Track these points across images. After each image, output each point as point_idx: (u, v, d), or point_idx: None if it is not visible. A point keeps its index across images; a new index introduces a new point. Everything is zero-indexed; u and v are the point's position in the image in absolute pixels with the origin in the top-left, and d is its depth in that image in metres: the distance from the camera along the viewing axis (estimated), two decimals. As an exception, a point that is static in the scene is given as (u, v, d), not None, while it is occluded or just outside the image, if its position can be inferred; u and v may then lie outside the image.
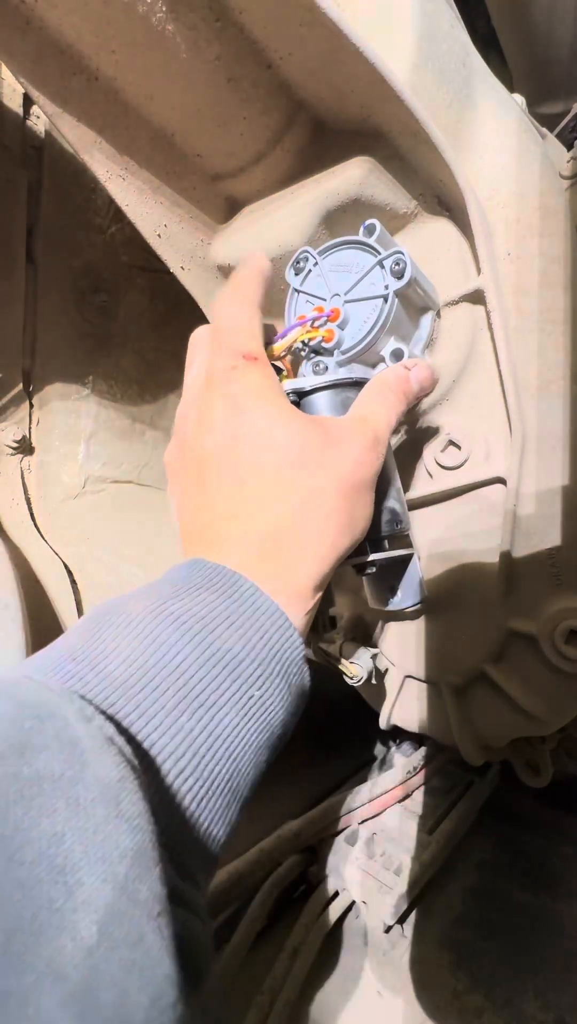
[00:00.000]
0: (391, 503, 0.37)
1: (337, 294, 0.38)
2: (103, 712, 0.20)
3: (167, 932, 0.16)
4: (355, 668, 0.47)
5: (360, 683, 0.49)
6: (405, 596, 0.41)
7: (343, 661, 0.41)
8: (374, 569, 0.37)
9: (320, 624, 0.38)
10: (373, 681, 0.52)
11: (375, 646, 0.56)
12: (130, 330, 0.81)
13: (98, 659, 0.22)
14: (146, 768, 0.21)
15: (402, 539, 0.39)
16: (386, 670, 0.57)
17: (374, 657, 0.53)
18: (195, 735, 0.22)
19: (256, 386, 0.30)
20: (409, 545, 0.41)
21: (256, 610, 0.26)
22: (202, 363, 0.33)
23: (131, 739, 0.21)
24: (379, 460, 0.32)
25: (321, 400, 0.36)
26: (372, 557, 0.35)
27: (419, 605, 0.41)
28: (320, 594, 0.29)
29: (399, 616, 0.52)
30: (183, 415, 0.33)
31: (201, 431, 0.31)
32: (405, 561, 0.40)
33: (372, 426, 0.32)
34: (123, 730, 0.21)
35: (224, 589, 0.26)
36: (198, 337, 0.35)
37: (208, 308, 0.52)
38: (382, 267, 0.36)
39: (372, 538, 0.36)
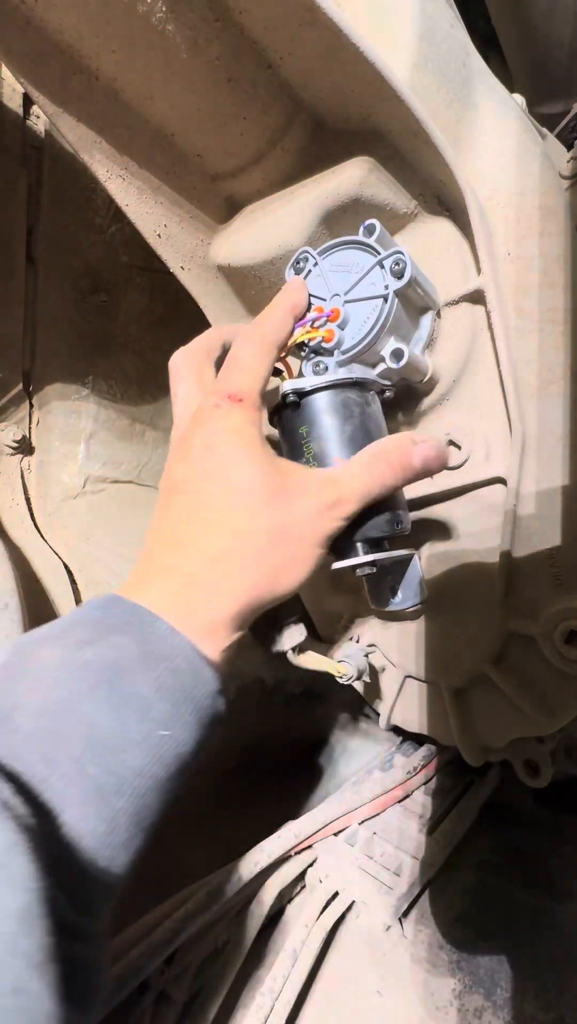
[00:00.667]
0: (392, 503, 0.37)
1: (337, 294, 0.38)
2: (4, 769, 0.22)
3: (50, 974, 0.18)
4: (344, 667, 0.48)
5: (351, 681, 0.49)
6: (405, 597, 0.41)
7: (328, 661, 0.41)
8: (374, 570, 0.37)
9: (287, 634, 0.38)
10: (366, 679, 0.52)
11: (372, 645, 0.56)
12: (130, 330, 0.81)
13: (10, 712, 0.24)
14: (46, 818, 0.22)
15: (402, 540, 0.39)
16: (383, 668, 0.57)
17: (367, 655, 0.53)
18: (100, 780, 0.23)
19: (232, 427, 0.31)
20: (409, 546, 0.41)
21: (170, 649, 0.27)
22: (187, 393, 0.34)
23: (31, 791, 0.22)
24: (333, 524, 0.32)
25: (321, 400, 0.36)
26: (372, 558, 0.35)
27: (419, 605, 0.41)
28: (240, 632, 0.30)
29: (399, 616, 0.52)
30: (172, 442, 0.35)
31: (176, 460, 0.32)
32: (405, 562, 0.40)
33: (339, 490, 0.32)
34: (23, 783, 0.22)
35: (138, 631, 0.27)
36: (175, 365, 0.36)
37: (207, 308, 0.52)
38: (382, 267, 0.36)
39: (372, 538, 0.36)
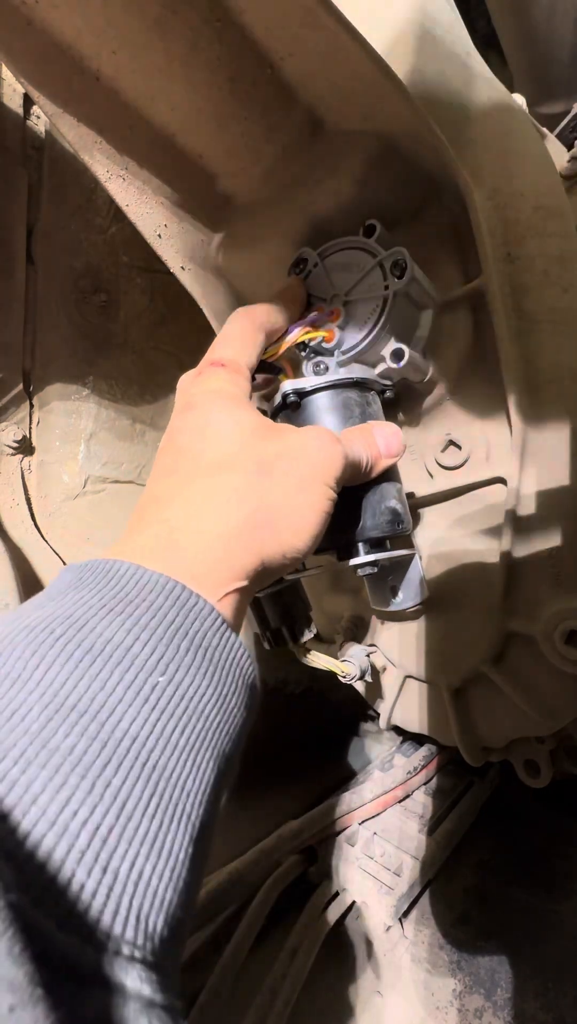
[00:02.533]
0: (392, 503, 0.37)
1: (337, 294, 0.38)
2: None
3: None
4: (347, 666, 0.48)
5: (353, 681, 0.49)
6: (407, 596, 0.41)
7: (332, 659, 0.41)
8: (375, 569, 0.37)
9: (298, 632, 0.38)
10: (368, 679, 0.52)
11: (373, 645, 0.56)
12: (130, 330, 0.81)
13: None
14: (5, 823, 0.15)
15: (404, 539, 0.39)
16: (384, 668, 0.57)
17: (369, 655, 0.53)
18: (79, 753, 0.17)
19: (212, 387, 0.31)
20: (411, 545, 0.41)
21: (140, 588, 0.22)
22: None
23: None
24: (337, 461, 0.29)
25: (321, 400, 0.36)
26: (373, 557, 0.35)
27: (420, 606, 0.41)
28: (242, 581, 0.26)
29: (400, 616, 0.52)
30: None
31: (167, 430, 0.31)
32: (406, 562, 0.40)
33: (331, 432, 0.31)
34: None
35: (96, 581, 0.22)
36: (181, 385, 0.35)
37: (208, 309, 0.52)
38: (382, 267, 0.36)
39: (373, 538, 0.36)
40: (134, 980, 0.15)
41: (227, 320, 0.34)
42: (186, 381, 0.32)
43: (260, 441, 0.28)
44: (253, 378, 0.34)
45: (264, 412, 0.52)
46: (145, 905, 0.16)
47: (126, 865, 0.16)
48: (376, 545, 0.36)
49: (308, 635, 0.39)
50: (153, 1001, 0.15)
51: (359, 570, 0.36)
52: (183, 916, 0.18)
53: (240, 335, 0.33)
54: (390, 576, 0.41)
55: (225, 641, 0.23)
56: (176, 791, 0.19)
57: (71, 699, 0.18)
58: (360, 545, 0.36)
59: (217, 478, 0.27)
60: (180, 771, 0.19)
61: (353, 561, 0.36)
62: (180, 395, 0.31)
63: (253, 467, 0.27)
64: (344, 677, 0.48)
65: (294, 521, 0.27)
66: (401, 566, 0.40)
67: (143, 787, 0.18)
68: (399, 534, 0.37)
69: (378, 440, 0.34)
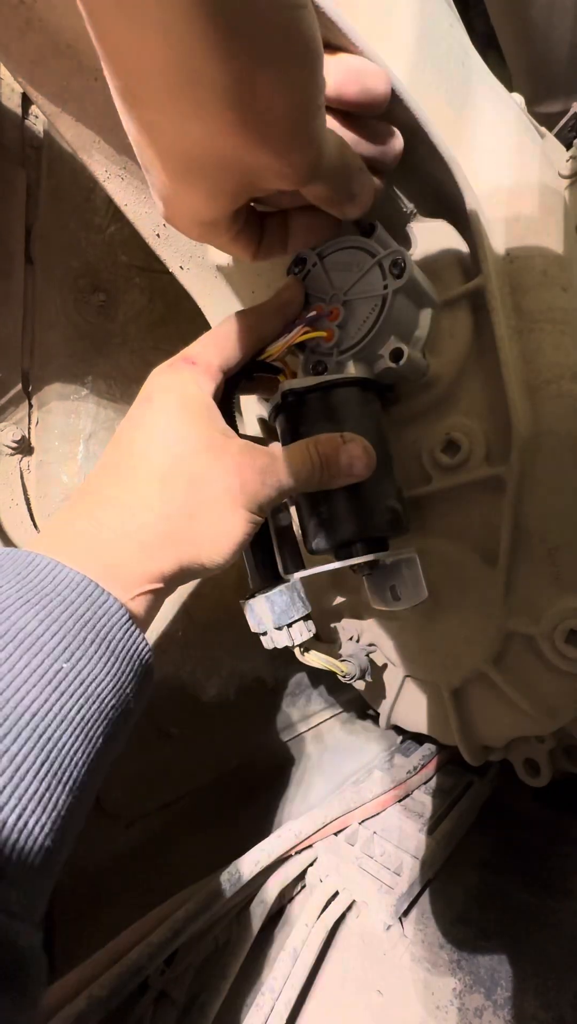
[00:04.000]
0: (392, 503, 0.37)
1: (336, 294, 0.38)
2: None
3: None
4: (347, 665, 0.48)
5: (353, 680, 0.49)
6: (407, 596, 0.41)
7: (332, 660, 0.41)
8: (374, 569, 0.37)
9: (296, 632, 0.38)
10: (368, 678, 0.52)
11: (372, 644, 0.56)
12: (129, 330, 0.81)
13: None
14: None
15: (403, 539, 0.39)
16: (384, 666, 0.57)
17: (368, 654, 0.53)
18: None
19: (173, 383, 0.31)
20: (410, 545, 0.41)
21: (56, 583, 0.24)
22: None
23: None
24: (264, 488, 0.31)
25: (320, 400, 0.36)
26: (372, 557, 0.35)
27: (419, 605, 0.41)
28: (156, 584, 0.28)
29: (400, 616, 0.52)
30: None
31: (125, 415, 0.32)
32: (406, 561, 0.40)
33: (272, 460, 0.32)
34: None
35: (16, 572, 0.24)
36: (152, 373, 0.36)
37: (206, 308, 0.52)
38: (381, 266, 0.36)
39: (372, 538, 0.36)
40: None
41: (226, 318, 0.34)
42: (156, 370, 0.33)
43: (198, 457, 0.30)
44: (238, 383, 0.35)
45: (262, 420, 0.52)
46: (27, 850, 0.20)
47: (13, 817, 0.19)
48: (375, 544, 0.36)
49: (307, 635, 0.39)
50: (12, 912, 0.19)
51: (358, 569, 0.36)
52: (57, 855, 0.21)
53: (223, 336, 0.34)
54: (390, 575, 0.41)
55: (128, 635, 0.26)
56: (64, 758, 0.22)
57: None
58: (359, 544, 0.36)
59: (150, 486, 0.29)
60: (71, 742, 0.22)
61: (352, 561, 0.36)
62: (146, 383, 0.32)
63: (184, 482, 0.29)
64: (344, 676, 0.48)
65: (214, 537, 0.30)
66: (401, 566, 0.40)
67: (36, 755, 0.21)
68: (398, 533, 0.37)
69: (341, 459, 0.34)
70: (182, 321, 0.84)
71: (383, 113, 0.32)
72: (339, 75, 0.29)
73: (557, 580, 0.42)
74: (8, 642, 0.22)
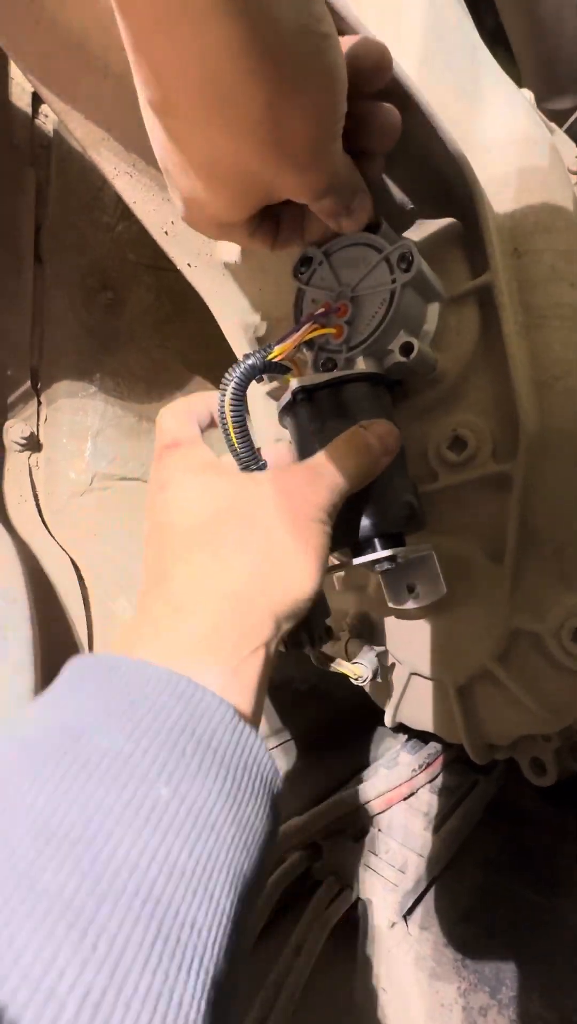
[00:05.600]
0: (408, 497, 0.37)
1: (344, 290, 0.38)
2: None
3: None
4: (359, 668, 0.48)
5: (365, 683, 0.48)
6: (424, 592, 0.41)
7: (345, 663, 0.41)
8: (393, 564, 0.36)
9: (316, 635, 0.38)
10: (379, 680, 0.52)
11: (380, 644, 0.56)
12: (136, 328, 0.81)
13: None
14: None
15: (420, 535, 0.39)
16: (392, 665, 0.57)
17: (380, 656, 0.53)
18: (70, 893, 0.15)
19: (176, 463, 0.31)
20: (427, 540, 0.40)
21: (143, 685, 0.20)
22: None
23: None
24: (321, 492, 0.29)
25: (330, 397, 0.36)
26: (392, 552, 0.35)
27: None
28: (258, 644, 0.24)
29: (407, 613, 0.52)
30: None
31: (147, 512, 0.31)
32: (423, 556, 0.40)
33: (315, 467, 0.30)
34: None
35: (100, 682, 0.20)
36: (151, 474, 0.35)
37: (214, 306, 0.52)
38: (389, 261, 0.36)
39: (390, 533, 0.36)
40: None
41: (158, 419, 0.34)
42: (154, 468, 0.32)
43: (239, 496, 0.28)
44: (244, 392, 0.34)
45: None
46: None
47: None
48: (393, 540, 0.36)
49: (326, 640, 0.38)
50: None
51: (376, 566, 0.36)
52: None
53: (176, 421, 0.33)
54: (407, 572, 0.41)
55: (238, 736, 0.21)
56: (184, 930, 0.16)
57: (64, 826, 0.16)
58: (377, 541, 0.35)
59: (211, 542, 0.26)
60: (188, 903, 0.16)
61: (371, 556, 0.35)
62: (152, 482, 0.32)
63: (240, 521, 0.27)
64: (357, 680, 0.48)
65: (297, 563, 0.27)
66: (418, 561, 0.40)
67: (144, 930, 0.15)
68: (416, 528, 0.37)
69: (371, 440, 0.33)
70: (189, 319, 0.84)
71: (392, 100, 0.32)
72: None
73: (564, 577, 0.42)
74: (92, 772, 0.17)
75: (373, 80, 0.29)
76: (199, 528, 0.27)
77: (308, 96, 0.23)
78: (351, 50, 0.28)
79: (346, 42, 0.28)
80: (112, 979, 0.14)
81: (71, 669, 0.22)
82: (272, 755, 0.22)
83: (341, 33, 0.30)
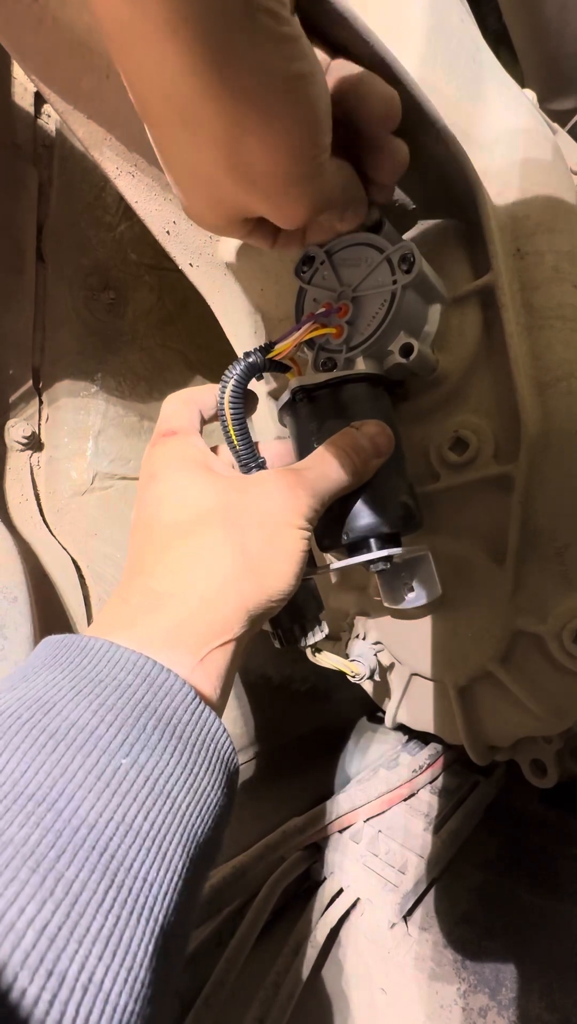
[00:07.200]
0: (405, 498, 0.37)
1: (345, 290, 0.38)
2: None
3: None
4: (356, 665, 0.48)
5: (363, 680, 0.49)
6: (421, 593, 0.41)
7: (341, 660, 0.41)
8: (388, 565, 0.36)
9: (309, 630, 0.38)
10: (376, 678, 0.52)
11: (378, 643, 0.56)
12: (138, 327, 0.81)
13: None
14: None
15: (416, 535, 0.39)
16: (391, 665, 0.56)
17: (376, 654, 0.53)
18: (32, 844, 0.16)
19: (170, 454, 0.31)
20: (422, 541, 0.40)
21: (111, 666, 0.22)
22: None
23: None
24: (302, 500, 0.29)
25: (330, 397, 0.36)
26: (387, 552, 0.35)
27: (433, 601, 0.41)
28: (229, 636, 0.26)
29: (406, 614, 0.52)
30: None
31: (136, 503, 0.32)
32: (419, 557, 0.40)
33: (298, 474, 0.30)
34: None
35: (70, 660, 0.22)
36: (144, 459, 0.36)
37: (216, 305, 0.52)
38: (390, 262, 0.36)
39: (385, 534, 0.36)
40: None
41: (163, 404, 0.35)
42: (146, 456, 0.33)
43: (223, 498, 0.29)
44: (245, 390, 0.34)
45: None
46: (95, 1012, 0.15)
47: (75, 967, 0.15)
48: (389, 540, 0.36)
49: (320, 635, 0.38)
50: None
51: (372, 566, 0.36)
52: (139, 1020, 0.16)
53: (178, 408, 0.34)
54: (403, 573, 0.41)
55: (197, 716, 0.23)
56: (136, 882, 0.17)
57: (30, 788, 0.17)
58: (373, 541, 0.35)
59: (192, 540, 0.27)
60: (142, 860, 0.18)
61: (366, 557, 0.35)
62: (143, 469, 0.32)
63: (222, 523, 0.28)
64: (353, 677, 0.48)
65: (273, 566, 0.28)
66: (414, 562, 0.40)
67: (99, 879, 0.17)
68: (412, 529, 0.37)
69: (362, 442, 0.34)
70: (191, 319, 0.84)
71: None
72: (337, 93, 0.28)
73: (565, 579, 0.42)
74: (59, 741, 0.19)
75: (379, 125, 0.29)
76: (182, 526, 0.28)
77: (275, 132, 0.23)
78: (359, 90, 0.28)
79: (355, 79, 0.28)
80: (68, 918, 0.15)
81: (45, 646, 0.24)
82: (230, 735, 0.24)
83: (347, 51, 0.29)
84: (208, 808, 0.21)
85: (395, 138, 0.30)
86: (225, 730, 0.24)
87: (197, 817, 0.21)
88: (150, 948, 0.17)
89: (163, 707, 0.22)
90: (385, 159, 0.30)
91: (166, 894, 0.18)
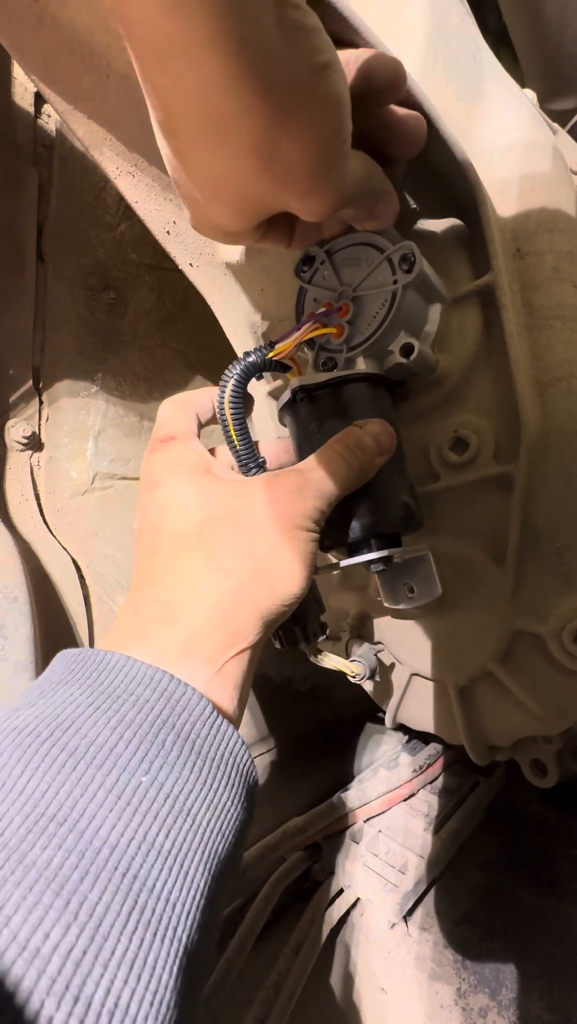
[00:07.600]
0: (405, 498, 0.37)
1: (345, 290, 0.38)
2: None
3: None
4: (356, 666, 0.48)
5: (363, 680, 0.49)
6: (421, 592, 0.41)
7: (341, 660, 0.41)
8: (388, 566, 0.36)
9: (310, 631, 0.38)
10: (377, 678, 0.52)
11: (379, 643, 0.56)
12: (138, 327, 0.81)
13: None
14: None
15: (413, 536, 0.39)
16: (392, 665, 0.56)
17: (377, 654, 0.53)
18: (56, 867, 0.16)
19: (170, 460, 0.31)
20: (422, 541, 0.40)
21: (128, 681, 0.22)
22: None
23: None
24: (307, 502, 0.29)
25: (330, 396, 0.36)
26: (386, 552, 0.35)
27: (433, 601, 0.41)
28: (244, 644, 0.26)
29: (407, 614, 0.52)
30: None
31: (137, 509, 0.31)
32: (419, 557, 0.40)
33: (303, 475, 0.30)
34: None
35: (87, 675, 0.22)
36: (143, 465, 0.36)
37: (216, 305, 0.52)
38: (391, 262, 0.36)
39: (385, 534, 0.36)
40: None
41: (159, 410, 0.35)
42: (145, 461, 0.33)
43: (229, 504, 0.29)
44: (245, 390, 0.34)
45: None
46: None
47: (101, 992, 0.15)
48: (389, 540, 0.36)
49: (320, 636, 0.38)
50: None
51: (372, 566, 0.36)
52: None
53: (175, 412, 0.33)
54: (403, 573, 0.41)
55: (216, 730, 0.22)
56: (160, 903, 0.17)
57: (51, 808, 0.17)
58: (373, 541, 0.35)
59: (201, 548, 0.27)
60: (164, 879, 0.18)
61: (366, 557, 0.35)
62: (143, 475, 0.32)
63: (230, 529, 0.28)
64: (354, 677, 0.48)
65: (284, 571, 0.28)
66: (414, 562, 0.40)
67: (122, 900, 0.16)
68: (412, 529, 0.37)
69: (366, 440, 0.33)
70: (191, 319, 0.84)
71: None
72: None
73: (566, 579, 0.41)
74: (79, 760, 0.19)
75: (387, 95, 0.29)
76: (189, 533, 0.28)
77: (305, 124, 0.23)
78: (365, 64, 0.28)
79: (360, 56, 0.28)
80: (92, 941, 0.15)
81: (61, 660, 0.24)
82: (249, 749, 0.24)
83: (353, 44, 0.30)
84: (229, 823, 0.21)
85: (413, 112, 0.31)
86: (244, 743, 0.23)
87: (218, 834, 0.21)
88: (175, 969, 0.17)
89: (181, 722, 0.21)
90: (404, 133, 0.31)
91: (189, 913, 0.18)
